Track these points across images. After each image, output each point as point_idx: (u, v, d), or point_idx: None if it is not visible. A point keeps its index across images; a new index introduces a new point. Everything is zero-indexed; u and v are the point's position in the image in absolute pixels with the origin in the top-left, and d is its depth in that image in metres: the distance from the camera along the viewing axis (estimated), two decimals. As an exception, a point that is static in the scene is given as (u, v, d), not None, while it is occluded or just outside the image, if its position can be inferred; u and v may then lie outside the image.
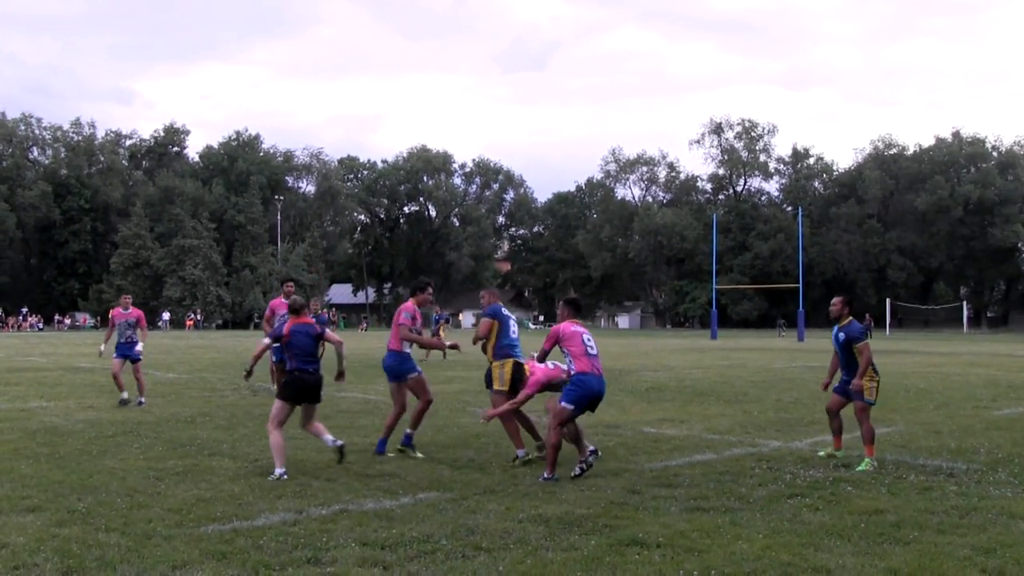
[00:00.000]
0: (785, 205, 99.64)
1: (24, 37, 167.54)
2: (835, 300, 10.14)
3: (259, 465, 9.26)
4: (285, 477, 8.51)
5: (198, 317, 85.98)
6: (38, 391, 17.62)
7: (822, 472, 8.93)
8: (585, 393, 8.72)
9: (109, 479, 8.49)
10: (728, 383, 20.24)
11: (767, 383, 20.11)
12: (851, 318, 9.91)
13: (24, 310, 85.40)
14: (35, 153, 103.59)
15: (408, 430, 10.17)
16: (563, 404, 8.71)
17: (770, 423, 12.88)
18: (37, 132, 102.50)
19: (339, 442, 9.13)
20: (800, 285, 57.28)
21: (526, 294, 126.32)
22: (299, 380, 9.10)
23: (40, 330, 78.35)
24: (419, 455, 9.94)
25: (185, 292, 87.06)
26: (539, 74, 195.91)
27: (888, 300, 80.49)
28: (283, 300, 14.03)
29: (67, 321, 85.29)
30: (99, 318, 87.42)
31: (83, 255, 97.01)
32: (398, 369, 10.18)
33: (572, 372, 8.87)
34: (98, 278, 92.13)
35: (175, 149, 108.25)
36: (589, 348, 8.88)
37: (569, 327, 9.03)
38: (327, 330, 9.64)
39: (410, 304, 10.30)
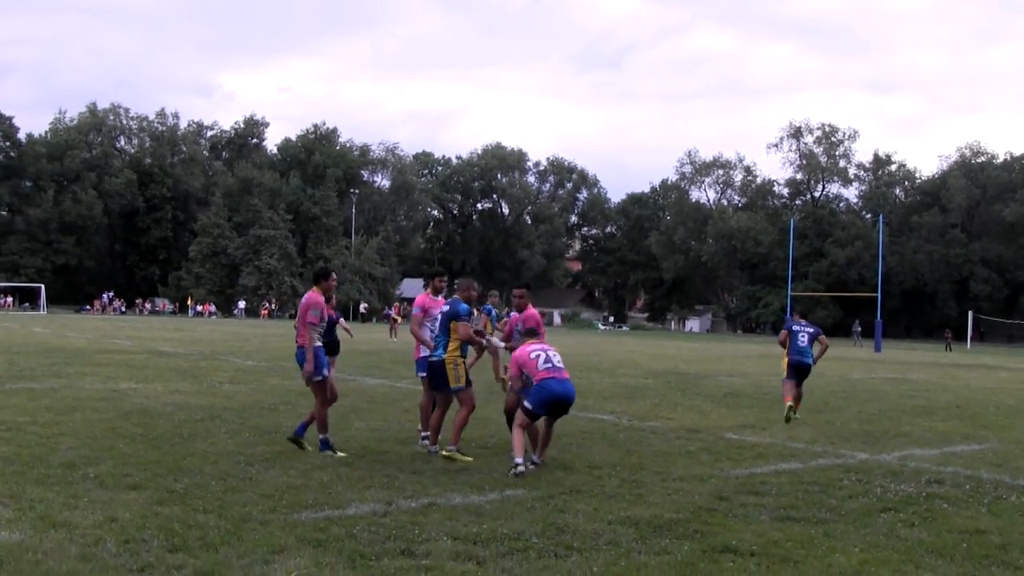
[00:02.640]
0: (864, 212, 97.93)
1: (114, 31, 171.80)
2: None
3: (345, 455, 9.37)
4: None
5: (273, 306, 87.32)
6: (127, 373, 18.04)
7: (913, 487, 8.72)
8: (544, 396, 8.87)
9: (202, 462, 8.66)
10: (806, 392, 19.86)
11: (847, 393, 19.76)
12: None
13: (109, 294, 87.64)
14: (122, 142, 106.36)
15: (305, 420, 9.92)
16: (524, 404, 8.98)
17: (854, 434, 12.64)
18: (124, 122, 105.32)
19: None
20: (879, 294, 56.20)
21: (596, 294, 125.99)
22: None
23: (122, 313, 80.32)
24: (309, 448, 9.57)
25: (260, 281, 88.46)
26: (615, 74, 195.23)
27: (971, 313, 78.57)
28: (432, 296, 11.05)
29: (147, 306, 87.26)
30: (177, 304, 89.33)
31: (164, 242, 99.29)
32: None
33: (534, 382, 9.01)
34: (177, 265, 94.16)
35: (254, 141, 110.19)
36: (546, 364, 9.02)
37: (524, 351, 9.23)
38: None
39: (316, 296, 9.75)
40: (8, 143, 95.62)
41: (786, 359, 14.29)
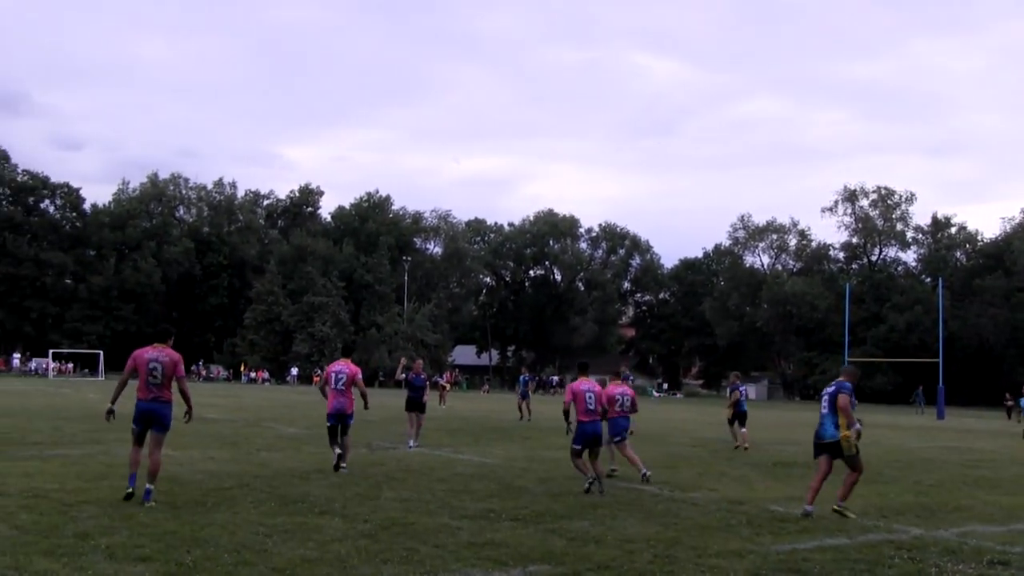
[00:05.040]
0: (924, 276, 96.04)
1: (179, 103, 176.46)
2: None
3: (369, 526, 9.06)
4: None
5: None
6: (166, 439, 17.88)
7: (974, 568, 8.15)
8: (580, 435, 12.39)
9: (219, 532, 8.41)
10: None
11: (903, 463, 19.02)
12: None
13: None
14: (181, 211, 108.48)
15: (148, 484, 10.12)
16: (572, 446, 12.58)
17: (908, 507, 12.03)
18: (183, 191, 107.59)
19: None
20: (940, 360, 54.80)
21: (651, 361, 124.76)
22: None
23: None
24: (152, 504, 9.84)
25: (313, 348, 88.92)
26: (668, 140, 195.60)
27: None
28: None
29: (203, 372, 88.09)
30: (231, 371, 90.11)
31: (219, 309, 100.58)
32: (165, 417, 10.63)
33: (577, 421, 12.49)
34: (232, 331, 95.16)
35: (309, 209, 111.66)
36: (588, 404, 12.46)
37: (579, 386, 12.73)
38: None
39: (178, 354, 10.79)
40: (74, 213, 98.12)
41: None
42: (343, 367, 14.32)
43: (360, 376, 14.44)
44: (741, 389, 22.28)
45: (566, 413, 12.52)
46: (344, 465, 13.63)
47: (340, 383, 14.19)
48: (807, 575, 7.58)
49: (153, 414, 10.53)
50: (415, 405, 18.47)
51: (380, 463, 15.16)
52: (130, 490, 10.18)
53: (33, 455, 14.31)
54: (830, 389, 11.20)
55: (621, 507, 11.00)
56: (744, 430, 21.22)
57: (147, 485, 10.08)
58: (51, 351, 79.80)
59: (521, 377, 32.57)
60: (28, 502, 9.72)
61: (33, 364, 79.25)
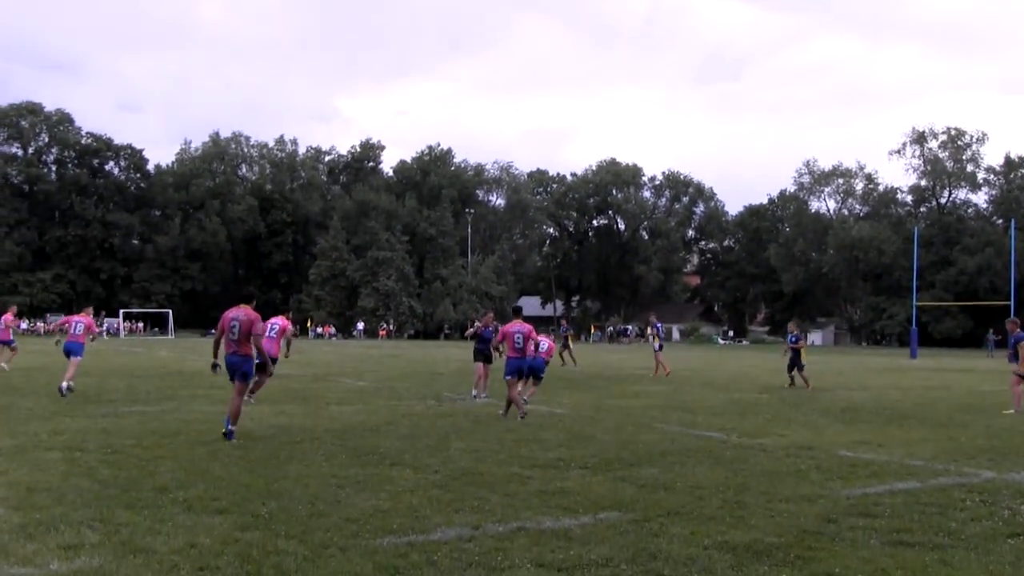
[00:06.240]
0: (995, 218, 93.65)
1: (239, 62, 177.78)
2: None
3: (439, 476, 9.18)
4: None
5: (391, 327, 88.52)
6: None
7: (1046, 508, 8.04)
8: (510, 368, 14.79)
9: (293, 485, 8.59)
10: (931, 406, 18.98)
11: (975, 407, 18.71)
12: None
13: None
14: (243, 170, 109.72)
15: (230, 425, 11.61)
16: (504, 377, 14.85)
17: (980, 451, 11.85)
18: (246, 150, 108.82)
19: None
20: (1011, 303, 53.59)
21: (716, 309, 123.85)
22: None
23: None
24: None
25: (379, 303, 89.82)
26: (733, 85, 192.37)
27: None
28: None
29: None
30: (298, 327, 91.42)
31: (284, 266, 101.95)
32: (245, 368, 11.87)
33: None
34: (298, 288, 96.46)
35: (371, 164, 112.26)
36: (517, 343, 14.85)
37: (510, 328, 15.10)
38: None
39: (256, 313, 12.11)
40: (138, 175, 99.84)
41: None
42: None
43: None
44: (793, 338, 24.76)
45: (497, 348, 15.78)
46: None
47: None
48: (878, 519, 7.51)
49: (233, 366, 11.84)
50: (483, 356, 18.63)
51: (448, 415, 15.32)
52: (225, 432, 11.51)
53: (110, 412, 14.70)
54: None
55: (690, 454, 11.00)
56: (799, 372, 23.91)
57: (229, 426, 11.54)
58: (121, 311, 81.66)
59: (560, 328, 34.00)
60: (107, 457, 10.00)
61: (105, 324, 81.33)
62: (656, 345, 28.43)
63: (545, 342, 18.57)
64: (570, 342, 33.97)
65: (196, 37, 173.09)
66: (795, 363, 23.90)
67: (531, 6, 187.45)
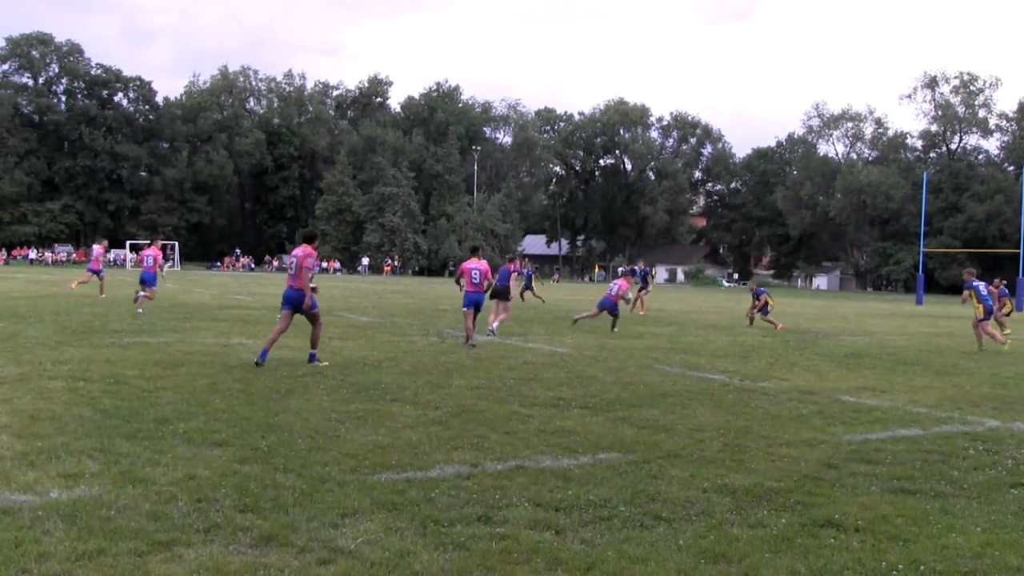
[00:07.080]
0: (1006, 164, 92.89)
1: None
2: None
3: (440, 413, 9.17)
4: None
5: (396, 263, 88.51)
6: (241, 328, 18.32)
7: (1048, 458, 8.01)
8: (467, 301, 16.54)
9: (293, 419, 8.57)
10: (936, 352, 18.95)
11: (981, 354, 18.68)
12: None
13: (237, 251, 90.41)
14: (251, 104, 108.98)
15: (312, 350, 12.99)
16: (462, 308, 16.73)
17: (985, 399, 11.82)
18: (253, 84, 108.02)
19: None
20: (1021, 251, 53.32)
21: (721, 251, 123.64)
22: None
23: (251, 270, 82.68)
24: (324, 363, 12.66)
25: (384, 238, 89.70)
26: (742, 25, 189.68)
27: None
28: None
29: (275, 263, 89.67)
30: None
31: (291, 200, 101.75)
32: (298, 301, 12.76)
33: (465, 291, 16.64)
34: (304, 223, 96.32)
35: (378, 100, 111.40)
36: (474, 279, 16.46)
37: (468, 265, 16.73)
38: None
39: (312, 251, 13.01)
40: (147, 107, 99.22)
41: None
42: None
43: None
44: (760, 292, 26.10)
45: (458, 281, 17.30)
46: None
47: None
48: (879, 465, 7.48)
49: (290, 300, 12.92)
50: (500, 294, 18.77)
51: (451, 351, 15.31)
52: (258, 362, 12.32)
53: (114, 343, 14.70)
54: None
55: (691, 396, 10.97)
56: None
57: (311, 350, 13.01)
58: (128, 242, 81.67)
59: (525, 271, 35.48)
60: (110, 388, 10.00)
61: (112, 255, 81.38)
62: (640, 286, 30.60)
63: (616, 284, 22.25)
64: (534, 282, 36.52)
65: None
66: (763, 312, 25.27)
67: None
